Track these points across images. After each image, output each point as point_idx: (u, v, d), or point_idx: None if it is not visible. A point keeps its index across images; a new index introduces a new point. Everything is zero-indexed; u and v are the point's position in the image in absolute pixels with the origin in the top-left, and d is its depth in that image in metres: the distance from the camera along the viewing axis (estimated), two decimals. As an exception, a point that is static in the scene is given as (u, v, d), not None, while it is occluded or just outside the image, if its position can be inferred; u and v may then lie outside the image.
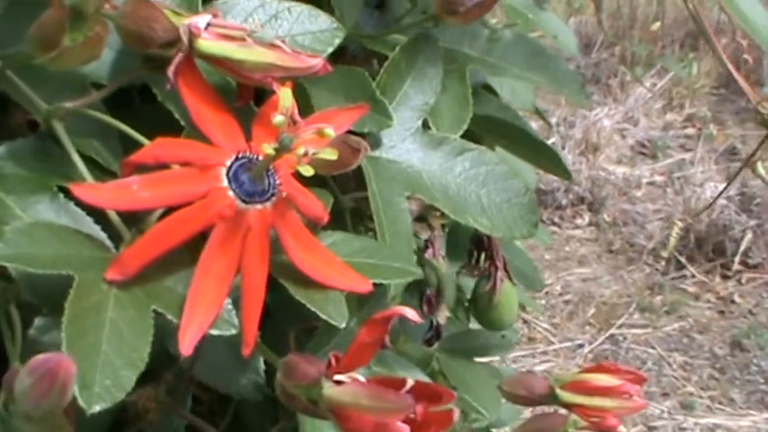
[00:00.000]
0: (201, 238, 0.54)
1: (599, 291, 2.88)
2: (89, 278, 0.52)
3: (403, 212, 0.66)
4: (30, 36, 0.53)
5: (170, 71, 0.55)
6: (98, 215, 0.58)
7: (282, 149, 0.51)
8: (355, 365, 0.53)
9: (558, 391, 0.70)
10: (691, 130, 3.45)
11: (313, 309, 0.55)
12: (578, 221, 3.13)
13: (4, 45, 0.60)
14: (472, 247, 0.89)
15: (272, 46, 0.55)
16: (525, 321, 2.77)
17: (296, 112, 0.56)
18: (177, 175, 0.54)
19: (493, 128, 0.82)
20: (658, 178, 3.25)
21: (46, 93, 0.59)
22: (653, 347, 2.69)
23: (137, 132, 0.58)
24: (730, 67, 0.80)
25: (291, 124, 0.53)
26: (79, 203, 0.57)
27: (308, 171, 0.51)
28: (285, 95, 0.51)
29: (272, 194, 0.54)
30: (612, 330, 2.74)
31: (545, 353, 2.67)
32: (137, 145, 0.61)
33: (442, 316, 0.87)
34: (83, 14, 0.52)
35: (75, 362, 0.47)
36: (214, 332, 0.53)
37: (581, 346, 2.69)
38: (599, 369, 0.71)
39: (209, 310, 0.52)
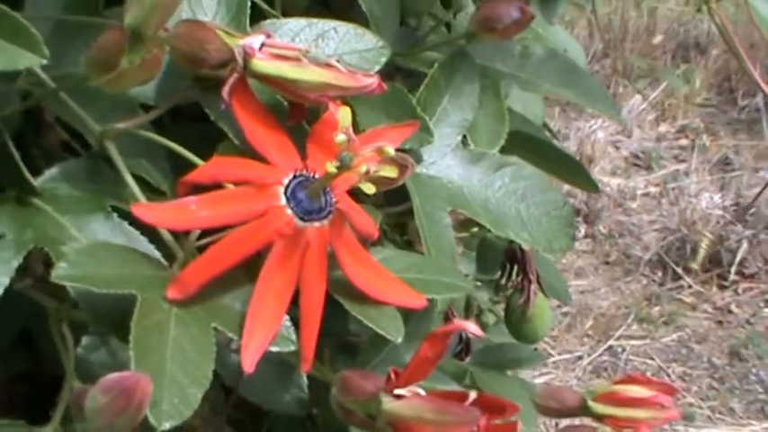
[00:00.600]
0: (257, 255, 0.54)
1: (597, 302, 2.88)
2: (151, 297, 0.52)
3: (446, 228, 0.66)
4: (87, 58, 0.54)
5: (224, 91, 0.56)
6: (150, 235, 0.58)
7: (344, 167, 0.51)
8: (415, 379, 0.53)
9: (591, 403, 0.71)
10: (684, 141, 3.47)
11: (370, 325, 0.56)
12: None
13: (52, 68, 0.60)
14: (505, 260, 0.90)
15: (328, 65, 0.55)
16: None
17: (351, 130, 0.56)
18: (235, 195, 0.54)
19: (518, 142, 0.83)
20: (653, 189, 3.26)
21: (95, 114, 0.60)
22: (652, 358, 2.69)
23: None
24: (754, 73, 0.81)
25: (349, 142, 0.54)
26: (133, 223, 0.58)
27: (370, 189, 0.52)
28: (344, 114, 0.52)
29: (330, 212, 0.54)
30: (611, 342, 2.74)
31: (544, 365, 2.66)
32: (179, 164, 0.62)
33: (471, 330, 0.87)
34: (141, 36, 0.53)
35: (145, 380, 0.47)
36: (274, 349, 0.53)
37: (580, 357, 2.70)
38: (630, 380, 0.72)
39: (269, 327, 0.53)
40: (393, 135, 0.60)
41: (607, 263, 3.03)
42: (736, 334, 2.78)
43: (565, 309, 2.86)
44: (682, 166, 3.35)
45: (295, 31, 0.61)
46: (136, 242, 0.57)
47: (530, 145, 0.84)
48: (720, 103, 3.65)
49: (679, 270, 2.94)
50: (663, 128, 3.49)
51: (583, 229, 3.14)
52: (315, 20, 0.62)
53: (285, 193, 0.54)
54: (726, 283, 2.93)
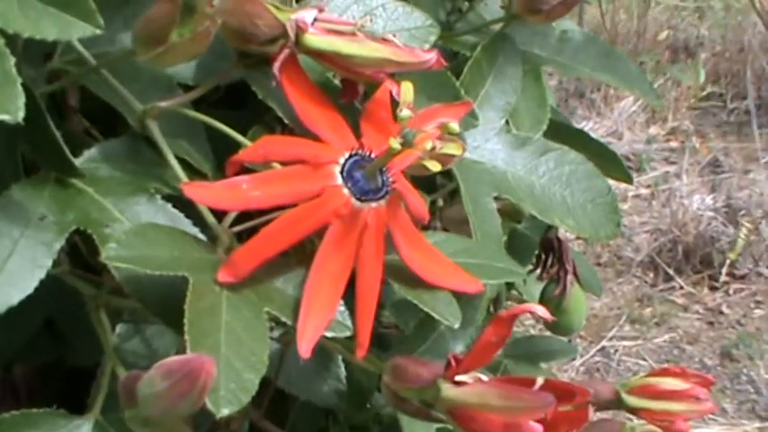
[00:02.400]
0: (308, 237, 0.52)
1: (589, 303, 2.86)
2: (202, 280, 0.50)
3: (491, 213, 0.65)
4: (136, 31, 0.52)
5: (275, 67, 0.54)
6: (192, 218, 0.56)
7: (407, 144, 0.49)
8: (478, 365, 0.52)
9: (624, 396, 0.69)
10: (674, 143, 3.47)
11: (425, 309, 0.54)
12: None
13: (90, 45, 0.58)
14: (541, 250, 0.88)
15: (384, 40, 0.53)
16: (514, 335, 2.76)
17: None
18: (288, 174, 0.52)
19: (553, 131, 0.82)
20: (644, 191, 3.26)
21: (133, 93, 0.58)
22: (644, 359, 2.69)
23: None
24: None
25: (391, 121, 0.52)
26: (176, 205, 0.56)
27: (435, 166, 0.50)
28: (406, 90, 0.50)
29: (387, 192, 0.52)
30: (604, 343, 2.74)
31: (536, 366, 2.65)
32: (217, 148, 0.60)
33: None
34: (192, 9, 0.51)
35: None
36: (329, 335, 0.51)
37: (573, 358, 2.69)
38: (665, 373, 0.71)
39: (325, 312, 0.51)
40: (447, 114, 0.58)
41: (599, 264, 3.02)
42: (727, 335, 2.78)
43: (557, 310, 2.85)
44: (672, 168, 3.35)
45: (342, 7, 0.59)
46: (180, 224, 0.55)
47: (564, 134, 0.82)
48: (709, 106, 3.65)
49: (670, 271, 2.94)
50: (653, 130, 3.49)
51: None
52: (365, -4, 0.60)
53: (341, 172, 0.52)
54: (717, 285, 2.93)
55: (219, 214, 0.55)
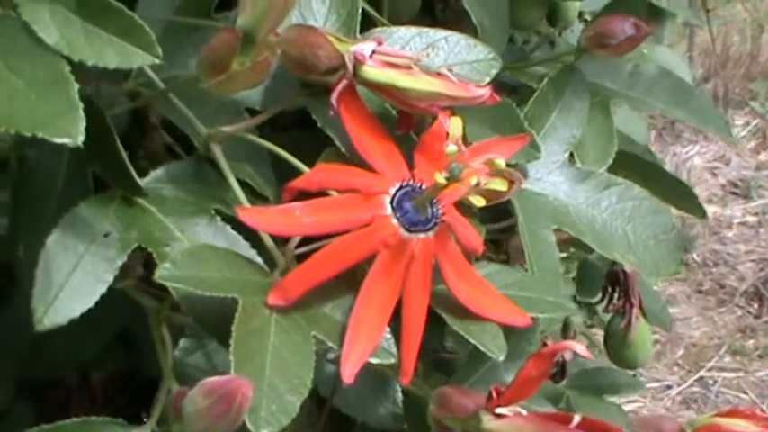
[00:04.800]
0: (359, 263, 0.54)
1: (688, 332, 2.82)
2: (252, 302, 0.52)
3: (550, 246, 0.65)
4: (200, 59, 0.54)
5: (333, 98, 0.55)
6: (251, 240, 0.58)
7: (453, 178, 0.50)
8: (518, 399, 0.52)
9: (691, 436, 0.68)
10: (785, 171, 3.39)
11: (471, 340, 0.54)
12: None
13: (162, 69, 0.60)
14: (607, 283, 0.88)
15: (439, 75, 0.54)
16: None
17: (460, 141, 0.55)
18: (340, 202, 0.54)
19: (624, 162, 0.81)
20: (751, 219, 3.19)
21: (201, 116, 0.60)
22: (745, 392, 2.63)
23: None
24: None
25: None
26: (235, 227, 0.58)
27: (479, 202, 0.51)
28: (455, 125, 0.51)
29: (436, 224, 0.53)
30: (702, 373, 2.68)
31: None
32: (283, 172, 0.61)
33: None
34: (253, 39, 0.53)
35: (245, 385, 0.47)
36: (374, 361, 0.53)
37: (669, 387, 2.64)
38: (734, 414, 0.69)
39: (370, 338, 0.52)
40: (502, 148, 0.59)
41: (700, 291, 2.96)
42: (835, 372, 2.70)
43: (655, 336, 2.81)
44: (781, 196, 3.27)
45: (405, 39, 0.60)
46: (237, 246, 0.57)
47: (635, 166, 0.82)
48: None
49: (775, 303, 2.87)
50: (763, 156, 3.41)
51: (676, 256, 3.08)
52: (425, 29, 0.61)
53: (391, 202, 0.53)
54: (825, 318, 2.85)
55: (279, 237, 0.57)
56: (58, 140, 0.45)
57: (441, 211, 0.53)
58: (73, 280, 0.54)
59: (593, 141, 0.71)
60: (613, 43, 0.67)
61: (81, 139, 0.45)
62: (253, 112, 0.62)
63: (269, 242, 0.56)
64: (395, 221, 0.52)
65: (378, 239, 0.52)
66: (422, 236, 0.53)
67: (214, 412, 0.46)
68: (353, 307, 0.52)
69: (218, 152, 0.58)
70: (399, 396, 0.69)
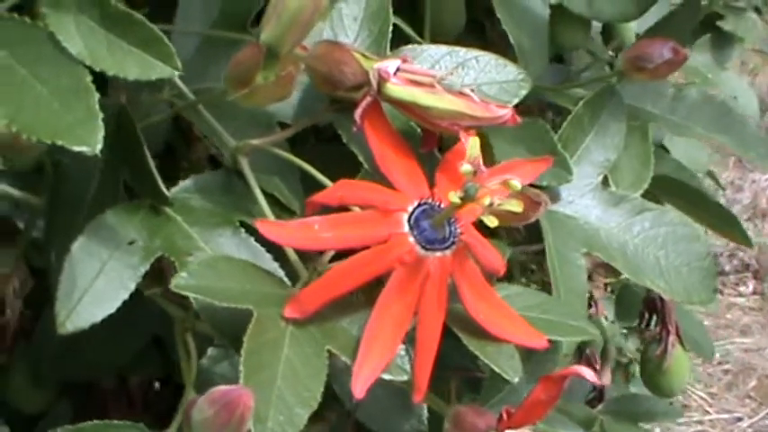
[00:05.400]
0: (376, 281, 0.54)
1: (762, 363, 2.76)
2: (268, 314, 0.52)
3: (579, 269, 0.64)
4: (226, 73, 0.55)
5: (357, 114, 0.56)
6: (276, 252, 0.59)
7: (468, 198, 0.50)
8: (527, 422, 0.52)
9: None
10: None
11: (486, 361, 0.54)
12: (742, 289, 3.03)
13: (195, 81, 0.61)
14: (644, 308, 0.87)
15: (461, 94, 0.55)
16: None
17: (481, 161, 0.55)
18: (359, 218, 0.54)
19: (668, 188, 0.80)
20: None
21: (232, 129, 0.61)
22: (817, 426, 2.57)
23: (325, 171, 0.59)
24: None
25: (475, 173, 0.53)
26: (259, 239, 0.58)
27: (492, 222, 0.50)
28: (473, 145, 0.51)
29: (453, 243, 0.53)
30: (774, 406, 2.62)
31: (700, 422, 2.57)
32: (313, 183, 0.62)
33: (606, 377, 0.85)
34: (276, 53, 0.54)
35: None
36: (386, 377, 0.53)
37: (740, 419, 2.59)
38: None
39: (383, 355, 0.52)
40: (527, 169, 0.58)
41: (774, 320, 2.90)
42: None
43: (726, 366, 2.76)
44: None
45: (435, 57, 0.61)
46: (260, 259, 0.58)
47: (682, 192, 0.81)
48: None
49: None
50: None
51: (751, 285, 3.03)
52: (457, 48, 0.61)
53: (409, 220, 0.53)
54: None
55: (307, 252, 0.57)
56: (77, 149, 0.46)
57: (459, 231, 0.53)
58: (96, 285, 0.55)
59: (629, 165, 0.70)
60: (650, 67, 0.66)
61: (99, 147, 0.46)
62: (287, 126, 0.63)
63: (293, 256, 0.57)
64: (411, 239, 0.53)
65: (394, 256, 0.52)
66: (438, 254, 0.53)
67: (217, 421, 0.46)
68: (368, 322, 0.52)
69: (245, 164, 0.59)
70: (425, 413, 0.69)
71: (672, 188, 0.80)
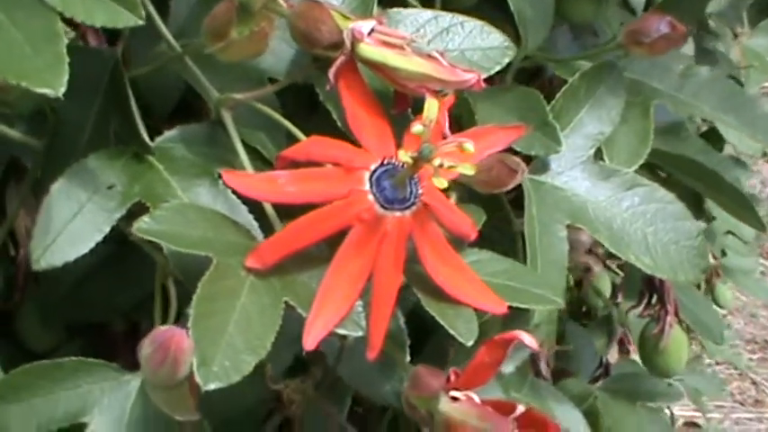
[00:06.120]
0: (341, 237, 0.54)
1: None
2: (229, 263, 0.53)
3: (560, 241, 0.64)
4: (203, 27, 0.56)
5: (331, 72, 0.56)
6: (253, 206, 0.60)
7: (421, 159, 0.51)
8: (472, 384, 0.52)
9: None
10: None
11: (443, 323, 0.55)
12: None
13: (194, 35, 0.63)
14: (644, 287, 0.86)
15: (430, 57, 0.55)
16: (754, 383, 2.64)
17: (446, 125, 0.56)
18: (322, 174, 0.55)
19: (687, 169, 0.79)
20: None
21: (224, 82, 0.62)
22: None
23: (317, 130, 0.60)
24: None
25: (439, 136, 0.53)
26: (236, 192, 0.60)
27: (441, 183, 0.51)
28: (431, 106, 0.52)
29: (413, 203, 0.54)
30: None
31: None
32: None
33: (613, 355, 0.85)
34: (249, 10, 0.55)
35: (197, 339, 0.49)
36: (340, 332, 0.53)
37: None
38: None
39: (337, 309, 0.53)
40: (498, 136, 0.59)
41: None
42: None
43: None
44: None
45: (420, 22, 0.61)
46: (236, 211, 0.59)
47: (701, 174, 0.79)
48: None
49: None
50: None
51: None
52: (442, 13, 0.61)
53: (370, 178, 0.54)
54: None
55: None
56: (40, 90, 0.47)
57: (419, 192, 0.54)
58: (72, 226, 0.57)
59: (626, 141, 0.70)
60: (647, 41, 0.65)
61: (62, 90, 0.48)
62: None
63: (270, 211, 0.58)
64: (371, 197, 0.53)
65: (353, 213, 0.53)
66: (398, 214, 0.53)
67: (154, 359, 0.48)
68: (324, 277, 0.53)
69: (227, 117, 0.60)
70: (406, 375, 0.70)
71: (690, 169, 0.79)
